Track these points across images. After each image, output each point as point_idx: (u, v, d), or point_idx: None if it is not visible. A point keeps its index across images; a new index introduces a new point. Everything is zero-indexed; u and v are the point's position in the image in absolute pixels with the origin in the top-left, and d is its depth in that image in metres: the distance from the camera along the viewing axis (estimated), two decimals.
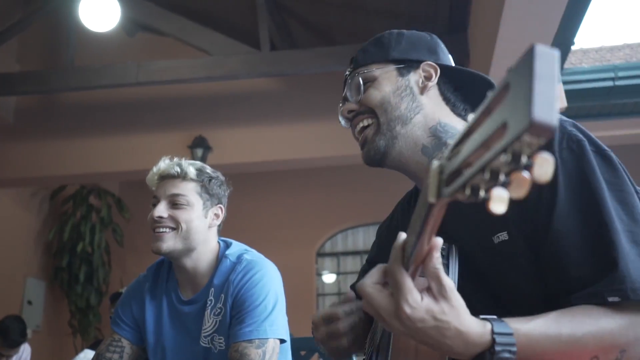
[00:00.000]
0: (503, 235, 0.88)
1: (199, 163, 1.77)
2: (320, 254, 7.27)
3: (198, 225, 1.68)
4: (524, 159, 0.39)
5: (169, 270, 1.80)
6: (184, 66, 4.66)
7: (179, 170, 1.69)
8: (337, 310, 1.04)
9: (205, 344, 1.66)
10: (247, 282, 1.63)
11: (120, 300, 1.85)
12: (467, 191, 0.44)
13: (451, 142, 0.51)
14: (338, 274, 7.26)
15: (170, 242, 1.64)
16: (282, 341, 1.63)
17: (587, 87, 4.29)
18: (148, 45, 5.78)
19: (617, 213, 0.81)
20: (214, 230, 1.75)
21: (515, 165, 0.40)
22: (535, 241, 0.85)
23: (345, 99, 1.10)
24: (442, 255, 0.71)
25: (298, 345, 2.26)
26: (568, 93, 4.04)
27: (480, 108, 0.45)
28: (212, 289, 1.68)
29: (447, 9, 4.33)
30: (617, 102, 4.38)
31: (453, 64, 1.12)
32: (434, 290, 0.69)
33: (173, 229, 1.65)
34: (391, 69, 1.06)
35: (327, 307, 1.08)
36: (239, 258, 1.69)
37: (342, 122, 1.12)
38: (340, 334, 1.02)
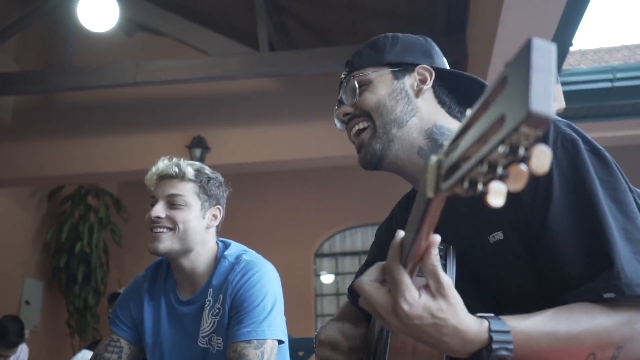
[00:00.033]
0: (498, 235, 0.89)
1: (198, 164, 1.77)
2: (319, 255, 7.27)
3: (195, 226, 1.67)
4: (521, 151, 0.40)
5: (167, 270, 1.80)
6: (183, 66, 4.66)
7: (177, 170, 1.68)
8: (343, 342, 1.06)
9: (203, 344, 1.66)
10: (246, 283, 1.62)
11: (118, 301, 1.85)
12: (465, 184, 0.44)
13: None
14: (336, 274, 7.27)
15: (167, 243, 1.63)
16: (281, 342, 1.63)
17: (585, 88, 4.30)
18: (146, 46, 5.78)
19: (611, 211, 0.82)
20: (212, 231, 1.75)
21: (513, 157, 0.40)
22: (530, 240, 0.86)
23: (340, 102, 1.11)
24: (440, 256, 0.72)
25: (296, 346, 2.26)
26: (566, 94, 4.03)
27: (478, 102, 0.45)
28: (211, 289, 1.68)
29: (446, 10, 4.34)
30: (615, 103, 4.39)
31: (448, 67, 1.13)
32: (432, 288, 0.70)
33: (170, 229, 1.65)
34: (386, 72, 1.06)
35: (335, 326, 1.11)
36: (238, 259, 1.69)
37: (338, 124, 1.13)
38: None
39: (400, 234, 0.73)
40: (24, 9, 5.01)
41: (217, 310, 1.65)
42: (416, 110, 1.04)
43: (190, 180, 1.69)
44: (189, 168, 1.70)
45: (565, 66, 4.26)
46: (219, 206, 1.75)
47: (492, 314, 0.73)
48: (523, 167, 0.41)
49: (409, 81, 1.06)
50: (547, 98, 0.37)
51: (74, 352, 5.35)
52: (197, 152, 5.31)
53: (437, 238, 0.67)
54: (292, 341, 1.94)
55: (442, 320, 0.69)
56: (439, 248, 0.70)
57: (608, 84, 4.30)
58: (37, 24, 5.28)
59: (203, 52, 4.83)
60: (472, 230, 0.92)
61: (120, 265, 7.10)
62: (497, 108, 0.41)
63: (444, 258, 0.86)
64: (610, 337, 0.76)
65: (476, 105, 0.45)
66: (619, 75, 4.31)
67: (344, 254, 7.27)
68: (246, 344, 1.54)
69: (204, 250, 1.71)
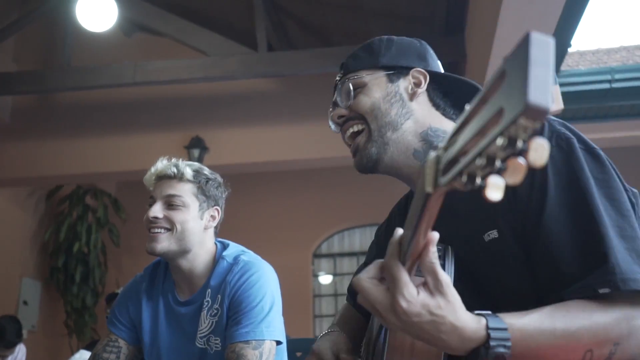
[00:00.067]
0: (493, 234, 0.89)
1: (197, 164, 1.77)
2: (317, 255, 7.27)
3: (193, 227, 1.67)
4: (519, 144, 0.40)
5: (165, 270, 1.80)
6: (181, 66, 4.66)
7: (175, 171, 1.68)
8: (329, 357, 1.08)
9: (201, 344, 1.66)
10: (244, 284, 1.62)
11: (116, 301, 1.85)
12: (464, 178, 0.44)
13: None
14: (334, 275, 7.27)
15: (164, 243, 1.63)
16: (279, 342, 1.63)
17: (583, 90, 4.30)
18: (145, 46, 5.78)
19: (606, 209, 0.83)
20: (211, 231, 1.75)
21: (511, 150, 0.40)
22: (525, 238, 0.87)
23: (335, 104, 1.11)
24: (439, 256, 0.72)
25: (294, 347, 2.26)
26: (565, 95, 4.03)
27: (477, 97, 0.45)
28: (209, 290, 1.67)
29: (445, 10, 4.34)
30: (613, 105, 4.40)
31: (442, 70, 1.14)
32: (430, 285, 0.70)
33: (168, 229, 1.64)
34: (381, 75, 1.07)
35: (329, 338, 1.13)
36: (236, 259, 1.69)
37: (332, 127, 1.13)
38: None
39: (399, 231, 0.73)
40: (23, 8, 5.00)
41: (215, 311, 1.65)
42: (411, 113, 1.05)
43: (188, 180, 1.68)
44: (187, 169, 1.69)
45: (563, 67, 4.26)
46: (217, 207, 1.75)
47: (489, 312, 0.74)
48: (521, 160, 0.41)
49: (404, 84, 1.07)
50: (545, 90, 0.37)
51: (72, 353, 5.34)
52: (196, 152, 5.31)
53: (435, 235, 0.67)
54: (290, 342, 1.93)
55: (440, 318, 0.69)
56: (438, 248, 0.70)
57: (606, 85, 4.31)
58: (36, 24, 5.28)
59: (202, 52, 4.83)
60: (468, 230, 0.93)
61: (119, 265, 7.10)
62: (496, 101, 0.41)
63: (442, 258, 0.86)
64: (607, 333, 0.77)
65: (475, 100, 0.45)
66: (617, 76, 4.31)
67: (342, 254, 7.27)
68: (244, 345, 1.54)
69: (202, 250, 1.70)
